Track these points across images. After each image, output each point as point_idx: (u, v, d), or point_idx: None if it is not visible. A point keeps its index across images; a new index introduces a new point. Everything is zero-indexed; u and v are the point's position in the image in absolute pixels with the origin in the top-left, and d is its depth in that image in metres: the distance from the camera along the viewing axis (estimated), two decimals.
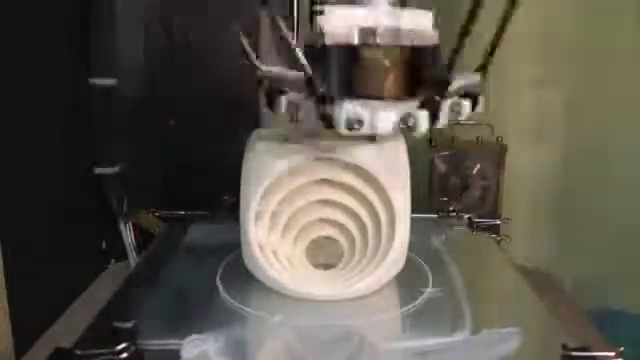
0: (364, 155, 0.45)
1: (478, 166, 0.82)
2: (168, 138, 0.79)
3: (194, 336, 0.41)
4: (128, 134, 0.75)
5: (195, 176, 0.78)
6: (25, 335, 0.55)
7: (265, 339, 0.43)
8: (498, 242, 0.70)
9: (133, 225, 0.75)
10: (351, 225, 0.48)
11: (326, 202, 0.48)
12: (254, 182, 0.46)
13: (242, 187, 0.47)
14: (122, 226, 0.74)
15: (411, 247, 0.58)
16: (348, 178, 0.45)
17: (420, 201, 0.91)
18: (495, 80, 0.92)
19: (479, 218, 0.70)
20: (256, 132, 0.51)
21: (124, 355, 0.39)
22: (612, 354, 0.39)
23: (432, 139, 0.86)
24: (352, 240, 0.49)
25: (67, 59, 0.68)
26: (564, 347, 0.40)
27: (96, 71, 0.71)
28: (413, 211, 0.73)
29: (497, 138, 0.83)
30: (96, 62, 0.71)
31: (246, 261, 0.49)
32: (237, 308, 0.46)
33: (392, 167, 0.46)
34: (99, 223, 0.75)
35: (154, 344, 0.42)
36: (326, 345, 0.42)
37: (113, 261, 0.76)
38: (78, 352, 0.40)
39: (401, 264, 0.49)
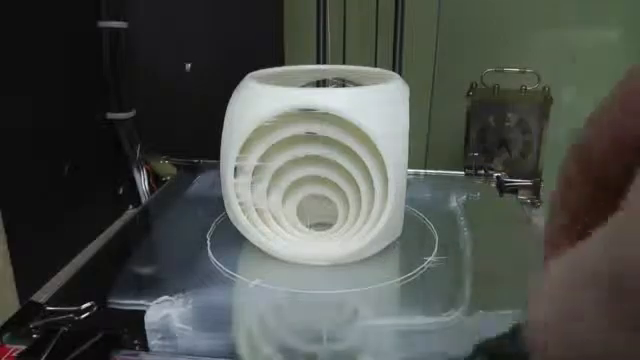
0: (343, 102, 0.39)
1: (519, 118, 0.74)
2: (183, 83, 0.76)
3: (163, 298, 0.39)
4: (141, 79, 0.73)
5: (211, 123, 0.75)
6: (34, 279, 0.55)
7: (236, 305, 0.40)
8: (532, 205, 0.63)
9: (147, 171, 0.73)
10: (343, 183, 0.43)
11: (316, 158, 0.43)
12: (235, 132, 0.42)
13: (222, 137, 0.43)
14: (136, 172, 0.73)
15: (425, 208, 0.53)
16: (332, 131, 0.40)
17: (454, 156, 0.84)
18: (545, 19, 0.82)
19: (517, 177, 0.63)
20: (250, 75, 0.46)
21: (86, 314, 0.38)
22: None
23: (471, 86, 0.78)
24: (345, 199, 0.44)
25: (74, 2, 0.65)
26: None
27: (105, 13, 0.67)
28: (443, 167, 0.67)
29: (543, 88, 0.74)
30: (106, 4, 0.67)
31: (231, 218, 0.46)
32: (218, 269, 0.43)
33: (377, 114, 0.39)
34: (115, 169, 0.74)
35: (124, 304, 0.40)
36: (298, 315, 0.38)
37: (131, 207, 0.76)
38: (49, 308, 0.39)
39: (399, 226, 0.44)
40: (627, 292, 0.10)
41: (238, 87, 0.44)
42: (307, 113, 0.40)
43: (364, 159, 0.40)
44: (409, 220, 0.46)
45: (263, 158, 0.42)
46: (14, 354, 0.34)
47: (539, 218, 0.61)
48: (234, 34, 0.77)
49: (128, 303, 0.39)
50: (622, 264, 0.10)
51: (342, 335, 0.35)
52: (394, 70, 0.76)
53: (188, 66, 0.75)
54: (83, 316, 0.37)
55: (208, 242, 0.48)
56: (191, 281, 0.42)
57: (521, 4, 0.81)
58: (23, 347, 0.34)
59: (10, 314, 0.37)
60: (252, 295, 0.40)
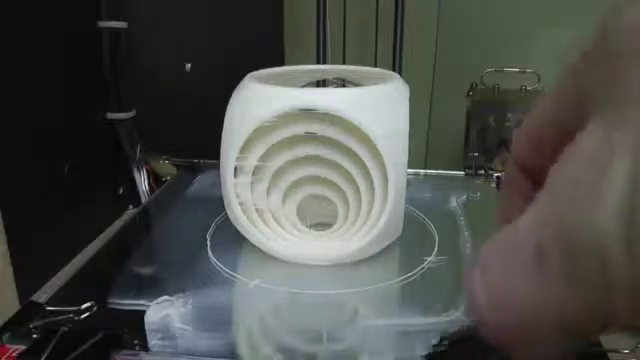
0: (343, 102, 0.39)
1: (519, 119, 0.74)
2: (183, 83, 0.76)
3: (163, 298, 0.39)
4: (141, 79, 0.73)
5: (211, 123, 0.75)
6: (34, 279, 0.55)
7: (236, 305, 0.40)
8: None
9: (147, 171, 0.73)
10: (343, 183, 0.43)
11: (316, 158, 0.43)
12: (235, 132, 0.42)
13: (222, 137, 0.43)
14: (136, 172, 0.73)
15: (425, 208, 0.53)
16: (332, 131, 0.40)
17: (454, 156, 0.84)
18: (545, 19, 0.82)
19: None
20: (250, 75, 0.46)
21: (86, 314, 0.38)
22: (626, 351, 0.33)
23: (471, 86, 0.78)
24: (345, 199, 0.44)
25: (74, 2, 0.65)
26: None
27: (105, 13, 0.67)
28: (443, 167, 0.67)
29: (543, 88, 0.74)
30: (106, 4, 0.67)
31: (231, 218, 0.46)
32: (218, 269, 0.43)
33: (377, 114, 0.39)
34: (115, 169, 0.74)
35: (124, 304, 0.40)
36: (298, 315, 0.38)
37: (131, 207, 0.76)
38: (49, 308, 0.39)
39: (399, 226, 0.44)
40: (547, 260, 0.11)
41: (238, 87, 0.44)
42: (307, 113, 0.40)
43: (364, 159, 0.40)
44: (409, 220, 0.46)
45: (263, 158, 0.42)
46: (14, 354, 0.34)
47: None
48: (234, 34, 0.77)
49: (128, 303, 0.39)
50: (542, 236, 0.11)
51: (342, 335, 0.35)
52: (394, 70, 0.76)
53: (188, 66, 0.75)
54: (83, 316, 0.37)
55: (208, 242, 0.48)
56: (191, 281, 0.42)
57: (521, 4, 0.81)
58: (23, 347, 0.34)
59: (10, 314, 0.37)
60: (252, 295, 0.40)
